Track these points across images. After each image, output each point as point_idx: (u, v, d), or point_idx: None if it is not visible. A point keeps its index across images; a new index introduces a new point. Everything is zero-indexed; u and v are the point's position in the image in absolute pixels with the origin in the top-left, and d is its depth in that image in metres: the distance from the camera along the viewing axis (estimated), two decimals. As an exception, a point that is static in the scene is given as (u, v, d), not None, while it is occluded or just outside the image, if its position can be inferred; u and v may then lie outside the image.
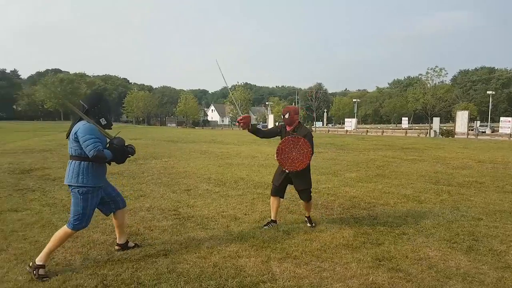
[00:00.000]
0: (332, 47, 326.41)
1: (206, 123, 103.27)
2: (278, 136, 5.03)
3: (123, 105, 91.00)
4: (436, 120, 45.26)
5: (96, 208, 3.69)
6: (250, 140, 23.73)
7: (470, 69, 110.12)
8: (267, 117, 78.68)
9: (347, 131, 53.31)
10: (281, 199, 5.10)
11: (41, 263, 3.39)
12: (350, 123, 60.68)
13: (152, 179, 8.44)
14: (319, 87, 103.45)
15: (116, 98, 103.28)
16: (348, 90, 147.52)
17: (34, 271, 3.33)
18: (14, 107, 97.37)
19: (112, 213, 3.90)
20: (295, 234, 4.65)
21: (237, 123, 4.92)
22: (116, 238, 4.08)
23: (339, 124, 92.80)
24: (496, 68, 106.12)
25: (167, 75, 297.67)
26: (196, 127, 74.68)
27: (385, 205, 6.32)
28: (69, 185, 3.51)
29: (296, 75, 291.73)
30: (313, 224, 5.05)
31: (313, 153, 4.71)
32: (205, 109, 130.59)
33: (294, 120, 4.87)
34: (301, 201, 5.15)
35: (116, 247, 4.01)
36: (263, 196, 6.84)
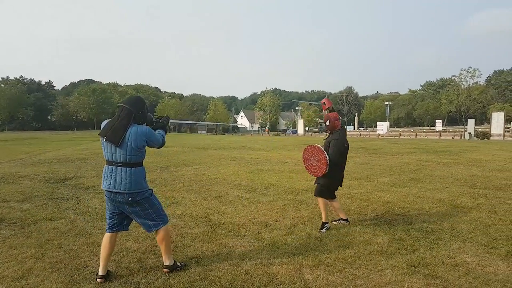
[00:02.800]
0: (362, 50, 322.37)
1: (236, 129, 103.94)
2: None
3: (154, 114, 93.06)
4: (471, 122, 43.84)
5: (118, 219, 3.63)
6: (280, 146, 23.70)
7: (505, 69, 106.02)
8: (296, 122, 78.43)
9: (379, 135, 52.26)
10: (334, 199, 5.26)
11: (170, 263, 3.67)
12: (382, 127, 59.41)
13: (183, 186, 8.54)
14: (349, 90, 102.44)
15: (148, 107, 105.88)
16: (379, 93, 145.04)
17: (173, 270, 3.65)
18: (49, 117, 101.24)
19: (116, 231, 3.66)
20: (327, 241, 4.58)
21: None
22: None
23: (371, 127, 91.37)
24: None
25: (198, 83, 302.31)
26: (226, 134, 75.26)
27: (420, 210, 6.15)
28: (132, 193, 3.44)
29: (326, 80, 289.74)
30: (323, 230, 5.00)
31: (332, 159, 4.90)
32: (235, 115, 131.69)
33: (336, 125, 5.13)
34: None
35: (100, 280, 3.48)
36: (294, 202, 6.78)
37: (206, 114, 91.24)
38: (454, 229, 5.02)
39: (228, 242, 4.58)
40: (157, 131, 3.75)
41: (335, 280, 3.49)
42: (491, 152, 17.84)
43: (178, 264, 3.76)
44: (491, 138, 37.28)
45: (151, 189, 3.68)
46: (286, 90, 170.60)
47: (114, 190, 3.42)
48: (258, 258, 4.01)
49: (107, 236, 3.62)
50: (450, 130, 64.85)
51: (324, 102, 5.48)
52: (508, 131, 45.61)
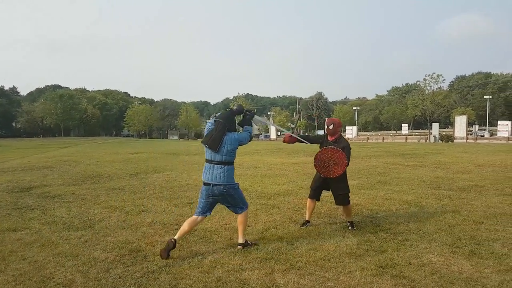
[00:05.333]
0: (332, 56, 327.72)
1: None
2: (316, 144, 5.58)
3: (124, 119, 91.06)
4: (436, 126, 45.39)
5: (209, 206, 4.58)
6: (252, 151, 23.73)
7: (466, 75, 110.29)
8: (269, 127, 78.77)
9: (348, 139, 53.16)
10: (317, 202, 5.61)
11: (243, 241, 4.55)
12: (351, 131, 60.69)
13: (153, 193, 8.41)
14: (319, 96, 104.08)
15: (117, 113, 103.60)
16: (348, 98, 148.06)
17: (245, 247, 4.51)
18: (14, 124, 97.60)
19: (204, 216, 4.61)
20: (298, 245, 4.63)
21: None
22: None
23: (341, 132, 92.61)
24: (492, 73, 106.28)
25: (169, 88, 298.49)
26: (198, 139, 74.69)
27: (387, 212, 6.30)
28: (226, 185, 4.39)
29: (297, 85, 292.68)
30: (354, 227, 5.30)
31: (348, 164, 5.13)
32: (207, 120, 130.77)
33: (337, 131, 5.39)
34: (339, 207, 5.65)
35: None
36: (266, 206, 6.81)
37: (178, 119, 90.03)
38: (420, 230, 5.16)
39: (200, 249, 4.55)
40: (244, 128, 4.70)
41: (306, 283, 3.53)
42: (454, 154, 18.53)
43: (249, 242, 4.61)
44: (454, 141, 38.70)
45: (238, 183, 4.62)
46: (258, 95, 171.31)
47: (212, 182, 4.38)
48: (230, 264, 4.00)
49: (196, 217, 4.52)
50: (416, 133, 66.94)
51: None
52: (471, 134, 47.46)
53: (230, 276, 3.69)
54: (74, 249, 4.53)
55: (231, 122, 4.57)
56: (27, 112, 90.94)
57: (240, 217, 4.58)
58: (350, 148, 5.29)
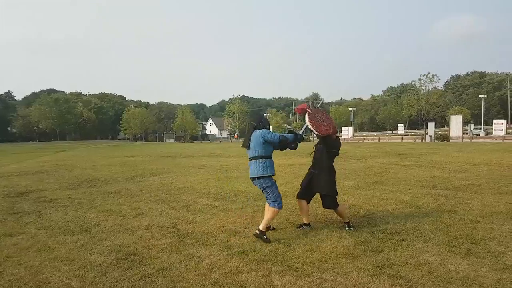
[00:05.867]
0: (327, 56, 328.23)
1: (205, 137, 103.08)
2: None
3: (120, 123, 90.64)
4: (431, 125, 45.55)
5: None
6: (247, 153, 23.74)
7: (461, 74, 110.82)
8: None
9: (344, 140, 53.36)
10: (308, 204, 5.51)
11: (263, 229, 4.82)
12: (347, 132, 60.90)
13: (150, 196, 8.39)
14: (315, 97, 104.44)
15: (113, 116, 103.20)
16: (343, 99, 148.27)
17: (261, 237, 4.79)
18: (9, 129, 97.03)
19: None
20: (296, 246, 4.63)
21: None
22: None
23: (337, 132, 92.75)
24: (486, 72, 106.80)
25: (164, 91, 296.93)
26: (194, 141, 74.59)
27: (384, 212, 6.32)
28: (258, 178, 4.87)
29: (293, 86, 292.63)
30: (351, 228, 5.27)
31: (338, 154, 5.64)
32: (203, 123, 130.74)
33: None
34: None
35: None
36: (263, 208, 6.73)
37: (174, 122, 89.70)
38: (417, 230, 5.18)
39: (197, 251, 4.53)
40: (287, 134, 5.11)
41: (303, 284, 3.53)
42: (450, 154, 18.61)
43: (265, 237, 4.80)
44: (450, 140, 38.85)
45: (274, 180, 5.00)
46: (254, 97, 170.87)
47: (251, 177, 4.99)
48: (227, 267, 4.00)
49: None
50: (412, 133, 67.21)
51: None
52: (466, 133, 47.69)
53: (227, 279, 3.68)
54: (70, 254, 4.51)
55: (259, 122, 5.09)
56: (22, 116, 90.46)
57: (270, 209, 4.91)
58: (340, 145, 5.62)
